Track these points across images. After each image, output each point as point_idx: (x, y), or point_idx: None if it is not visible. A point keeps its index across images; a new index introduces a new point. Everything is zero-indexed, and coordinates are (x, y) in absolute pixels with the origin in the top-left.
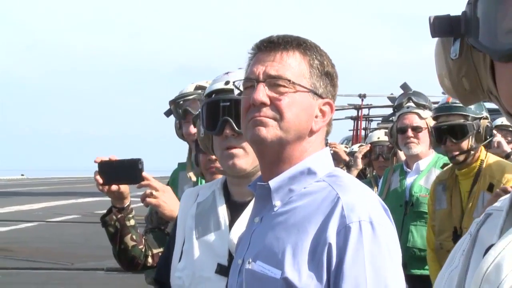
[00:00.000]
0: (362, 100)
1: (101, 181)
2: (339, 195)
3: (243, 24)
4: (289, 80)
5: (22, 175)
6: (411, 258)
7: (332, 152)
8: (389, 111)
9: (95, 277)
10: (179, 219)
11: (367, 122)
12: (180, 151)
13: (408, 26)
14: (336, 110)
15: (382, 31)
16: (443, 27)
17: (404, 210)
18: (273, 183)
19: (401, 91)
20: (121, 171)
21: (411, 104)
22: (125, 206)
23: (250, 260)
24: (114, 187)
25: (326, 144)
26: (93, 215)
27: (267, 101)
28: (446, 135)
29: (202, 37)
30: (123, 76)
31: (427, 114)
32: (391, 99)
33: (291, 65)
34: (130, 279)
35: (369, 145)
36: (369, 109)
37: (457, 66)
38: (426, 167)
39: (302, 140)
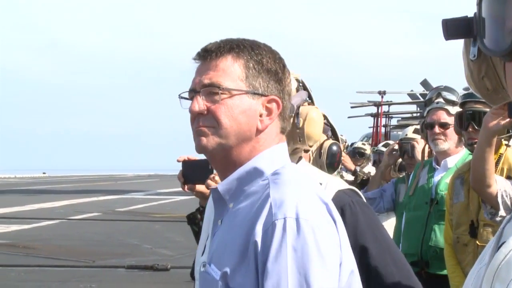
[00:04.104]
0: (382, 97)
1: (182, 180)
2: (270, 193)
3: (255, 22)
4: (221, 87)
5: (44, 173)
6: (433, 258)
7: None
8: (410, 108)
9: (116, 275)
10: (206, 214)
11: (387, 119)
12: None
13: (429, 23)
14: (356, 107)
15: (402, 27)
16: (458, 29)
17: (429, 207)
18: (221, 186)
19: (422, 88)
20: (195, 171)
21: (440, 100)
22: None
23: (205, 263)
24: (189, 186)
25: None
26: (114, 212)
27: (204, 111)
28: (469, 121)
29: (214, 34)
30: (142, 74)
31: (457, 110)
32: (411, 95)
33: (225, 70)
34: (150, 277)
35: (397, 142)
36: (389, 106)
37: (477, 67)
38: (454, 164)
39: (249, 141)
